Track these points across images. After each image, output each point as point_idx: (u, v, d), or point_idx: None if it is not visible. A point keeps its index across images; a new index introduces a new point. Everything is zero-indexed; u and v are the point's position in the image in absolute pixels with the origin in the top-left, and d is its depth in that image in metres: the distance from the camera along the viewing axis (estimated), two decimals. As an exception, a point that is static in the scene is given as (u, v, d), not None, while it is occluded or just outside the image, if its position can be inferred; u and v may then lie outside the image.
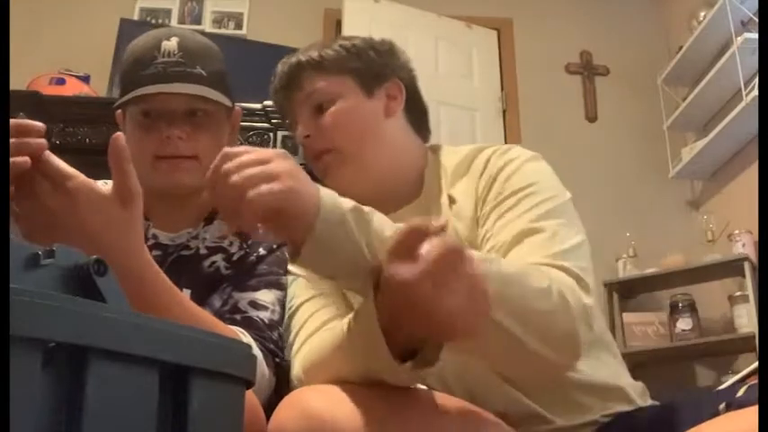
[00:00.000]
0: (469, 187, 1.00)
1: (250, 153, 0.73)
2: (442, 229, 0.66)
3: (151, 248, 0.97)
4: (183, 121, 1.11)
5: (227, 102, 1.13)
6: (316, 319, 0.96)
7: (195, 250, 1.16)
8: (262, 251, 1.16)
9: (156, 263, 0.87)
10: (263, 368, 1.01)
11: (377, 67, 1.06)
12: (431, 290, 0.64)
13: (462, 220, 0.97)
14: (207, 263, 1.15)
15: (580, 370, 0.90)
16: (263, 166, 0.71)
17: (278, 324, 1.14)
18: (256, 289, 1.11)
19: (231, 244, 1.17)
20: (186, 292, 1.07)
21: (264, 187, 0.69)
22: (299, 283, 1.03)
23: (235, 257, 1.16)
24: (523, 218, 0.90)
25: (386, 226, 0.77)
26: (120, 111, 1.21)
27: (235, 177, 0.70)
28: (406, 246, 0.66)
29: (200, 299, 1.08)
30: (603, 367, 0.97)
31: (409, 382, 0.80)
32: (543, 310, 0.77)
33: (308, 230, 0.72)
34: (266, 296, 1.11)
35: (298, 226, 0.72)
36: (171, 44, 1.13)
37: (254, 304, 1.10)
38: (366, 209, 0.77)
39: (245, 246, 1.17)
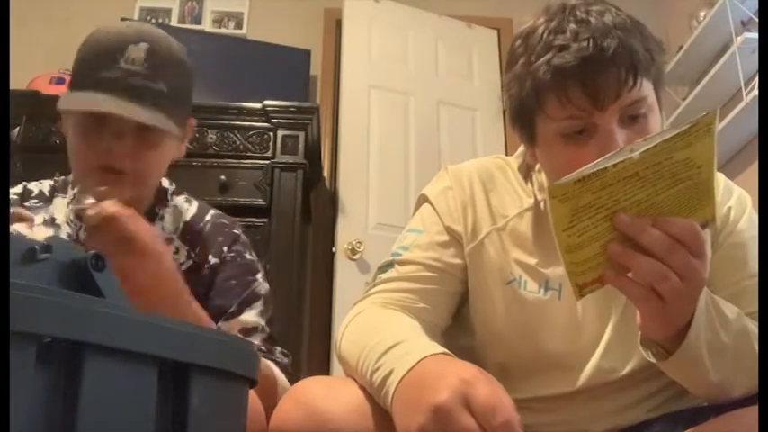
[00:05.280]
0: None
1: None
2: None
3: None
4: (132, 134, 1.05)
5: (175, 130, 1.07)
6: (404, 286, 0.96)
7: None
8: (213, 260, 1.13)
9: None
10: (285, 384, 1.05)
11: (662, 69, 0.92)
12: None
13: None
14: None
15: None
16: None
17: (273, 337, 1.13)
18: (240, 312, 1.09)
19: (177, 251, 1.13)
20: None
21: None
22: (422, 241, 1.00)
23: (183, 268, 1.11)
24: None
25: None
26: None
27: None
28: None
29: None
30: None
31: None
32: None
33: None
34: (250, 316, 1.10)
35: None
36: (138, 51, 1.05)
37: (246, 331, 1.09)
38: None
39: (192, 254, 1.13)
